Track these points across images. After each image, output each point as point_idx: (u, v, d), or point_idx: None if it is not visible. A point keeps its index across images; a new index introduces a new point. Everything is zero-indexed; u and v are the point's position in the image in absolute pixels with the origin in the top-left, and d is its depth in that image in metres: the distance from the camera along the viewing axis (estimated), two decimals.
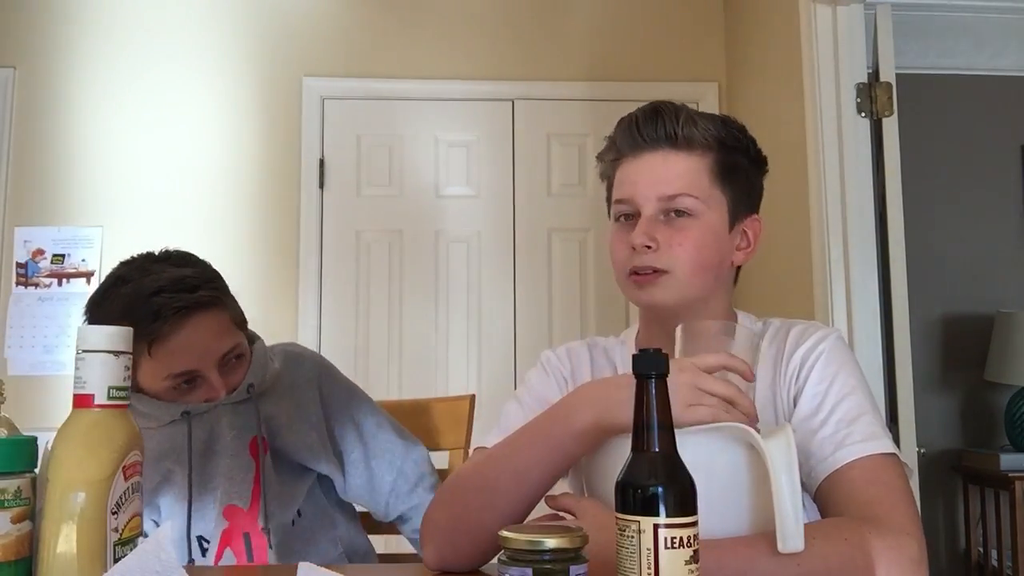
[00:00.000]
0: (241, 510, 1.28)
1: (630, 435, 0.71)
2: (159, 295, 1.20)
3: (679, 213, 1.04)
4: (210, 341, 1.25)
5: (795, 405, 1.02)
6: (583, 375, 1.15)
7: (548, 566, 0.69)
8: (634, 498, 0.68)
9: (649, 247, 1.03)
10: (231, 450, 1.28)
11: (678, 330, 0.96)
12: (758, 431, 0.84)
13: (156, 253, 1.30)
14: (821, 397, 1.00)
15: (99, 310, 1.24)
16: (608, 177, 1.14)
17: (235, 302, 1.34)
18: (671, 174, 1.05)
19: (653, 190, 1.05)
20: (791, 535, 0.77)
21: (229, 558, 1.28)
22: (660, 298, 1.05)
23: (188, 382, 1.26)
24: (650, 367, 0.71)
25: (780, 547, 0.77)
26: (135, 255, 1.30)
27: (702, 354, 0.89)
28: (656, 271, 1.04)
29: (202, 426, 1.29)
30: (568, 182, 3.26)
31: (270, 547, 1.28)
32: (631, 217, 1.07)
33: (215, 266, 1.36)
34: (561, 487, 1.18)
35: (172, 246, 1.33)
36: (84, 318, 1.26)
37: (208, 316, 1.25)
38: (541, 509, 0.96)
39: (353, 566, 1.27)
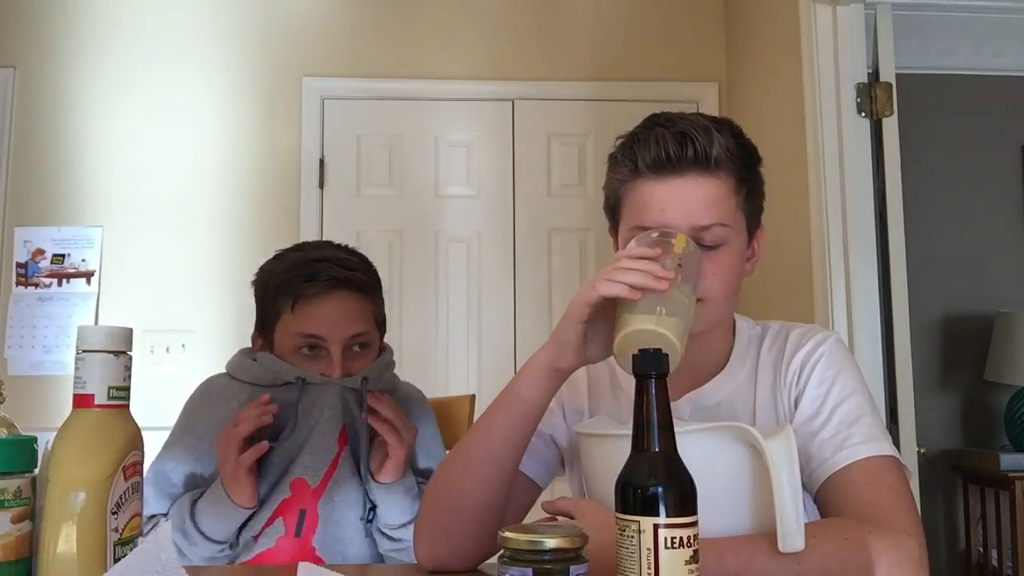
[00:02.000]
0: (307, 487, 1.32)
1: (628, 433, 0.72)
2: (320, 262, 1.36)
3: (710, 243, 1.01)
4: (346, 318, 1.36)
5: (796, 408, 1.02)
6: (579, 376, 1.15)
7: (548, 566, 0.69)
8: (634, 498, 0.68)
9: None
10: (322, 428, 1.33)
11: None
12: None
13: (337, 243, 1.47)
14: (821, 400, 1.01)
15: (268, 267, 1.41)
16: (615, 191, 1.07)
17: (382, 303, 1.47)
18: (703, 203, 1.00)
19: (685, 220, 0.99)
20: (792, 534, 0.77)
21: (278, 527, 1.31)
22: (696, 328, 1.00)
23: (312, 348, 1.35)
24: (650, 367, 0.71)
25: (781, 546, 0.77)
26: (320, 239, 1.48)
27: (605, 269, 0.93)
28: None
29: (309, 397, 1.35)
30: (568, 182, 3.26)
31: (319, 530, 1.31)
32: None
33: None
34: (560, 490, 1.19)
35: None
36: (254, 277, 1.43)
37: (353, 296, 1.37)
38: (538, 513, 0.96)
39: (353, 566, 1.28)
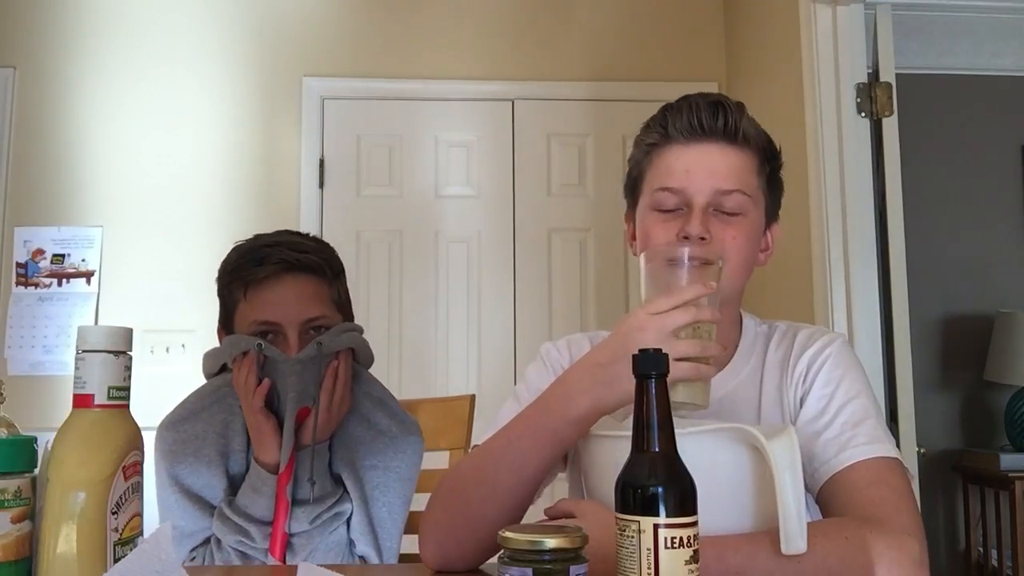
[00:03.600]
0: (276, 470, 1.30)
1: (628, 433, 0.72)
2: (271, 247, 1.33)
3: (730, 210, 1.03)
4: (299, 302, 1.32)
5: (801, 407, 1.03)
6: None
7: (548, 566, 0.69)
8: (634, 498, 0.68)
9: (703, 239, 1.01)
10: (288, 412, 1.29)
11: (642, 257, 0.94)
12: (756, 428, 0.84)
13: (298, 231, 1.44)
14: (826, 400, 1.01)
15: (226, 257, 1.39)
16: (639, 162, 1.10)
17: (343, 287, 1.41)
18: (728, 169, 1.03)
19: (709, 183, 1.02)
20: (794, 536, 0.77)
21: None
22: None
23: (269, 335, 1.32)
24: (650, 367, 0.71)
25: (784, 548, 0.77)
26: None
27: (663, 302, 0.86)
28: (704, 264, 1.02)
29: (269, 375, 1.30)
30: (568, 182, 3.26)
31: (290, 519, 1.28)
32: (676, 207, 1.04)
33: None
34: (560, 491, 1.18)
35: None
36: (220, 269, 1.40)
37: (306, 279, 1.33)
38: (538, 513, 0.96)
39: (353, 566, 1.27)
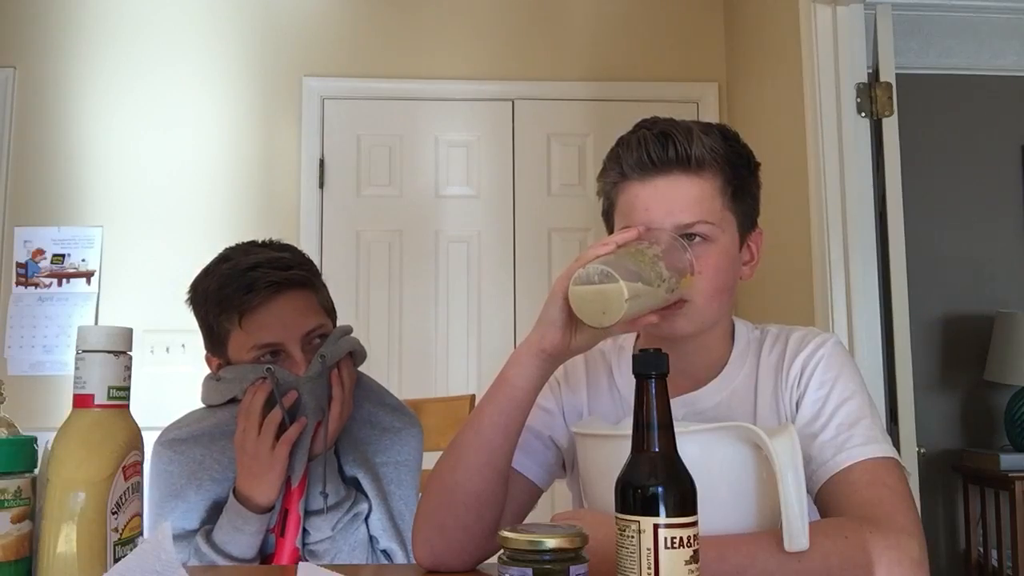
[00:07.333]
0: (288, 486, 1.29)
1: (628, 433, 0.72)
2: (255, 270, 1.30)
3: (694, 238, 1.01)
4: (296, 317, 1.32)
5: (797, 410, 1.03)
6: (578, 378, 1.15)
7: (548, 566, 0.69)
8: (634, 498, 0.68)
9: None
10: (307, 430, 1.29)
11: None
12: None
13: (260, 240, 1.42)
14: (821, 402, 1.01)
15: (201, 285, 1.36)
16: (607, 196, 1.10)
17: (325, 290, 1.42)
18: (686, 201, 1.01)
19: (668, 219, 1.00)
20: (797, 534, 0.77)
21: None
22: (681, 328, 1.02)
23: (272, 355, 1.31)
24: (650, 367, 0.71)
25: (787, 546, 0.78)
26: (241, 242, 1.41)
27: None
28: (676, 302, 1.00)
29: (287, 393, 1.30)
30: (568, 182, 3.26)
31: (305, 531, 1.28)
32: None
33: None
34: (560, 492, 1.18)
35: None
36: (188, 296, 1.38)
37: (297, 294, 1.33)
38: (540, 515, 0.96)
39: (353, 566, 1.28)
